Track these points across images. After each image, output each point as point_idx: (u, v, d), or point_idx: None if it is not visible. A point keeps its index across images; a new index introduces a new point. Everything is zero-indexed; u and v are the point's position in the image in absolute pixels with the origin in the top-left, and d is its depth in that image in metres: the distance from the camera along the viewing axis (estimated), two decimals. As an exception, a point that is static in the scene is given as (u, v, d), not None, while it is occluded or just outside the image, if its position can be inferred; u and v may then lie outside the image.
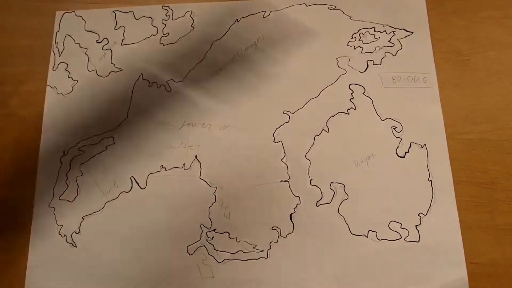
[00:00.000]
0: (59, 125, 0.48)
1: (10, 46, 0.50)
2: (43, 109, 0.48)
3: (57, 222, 0.45)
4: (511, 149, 0.44)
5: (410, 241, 0.42)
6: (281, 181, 0.45)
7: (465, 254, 0.41)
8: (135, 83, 0.49)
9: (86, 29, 0.51)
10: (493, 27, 0.48)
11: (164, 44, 0.50)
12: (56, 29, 0.50)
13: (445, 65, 0.46)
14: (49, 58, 0.49)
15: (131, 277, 0.43)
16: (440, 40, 0.47)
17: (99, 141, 0.47)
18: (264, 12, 0.50)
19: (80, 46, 0.50)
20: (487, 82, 0.46)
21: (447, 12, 0.48)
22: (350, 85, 0.47)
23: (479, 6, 0.48)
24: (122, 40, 0.50)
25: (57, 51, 0.50)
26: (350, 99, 0.47)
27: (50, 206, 0.45)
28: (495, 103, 0.45)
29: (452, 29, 0.47)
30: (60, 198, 0.46)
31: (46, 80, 0.48)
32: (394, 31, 0.48)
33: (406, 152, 0.45)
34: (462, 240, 0.41)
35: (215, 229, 0.44)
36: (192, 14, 0.51)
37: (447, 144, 0.44)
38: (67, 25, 0.51)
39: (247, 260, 0.43)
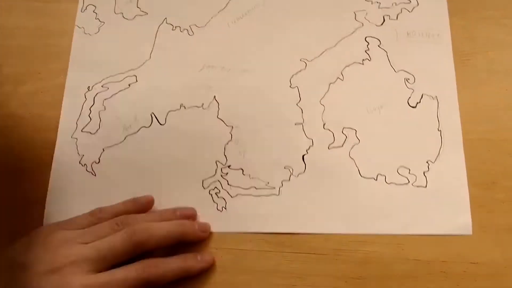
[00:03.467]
0: (85, 63, 0.50)
1: (10, 45, 0.51)
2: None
3: (79, 152, 0.47)
4: (511, 149, 0.44)
5: (417, 186, 0.44)
6: (295, 124, 0.47)
7: (465, 254, 0.41)
8: (159, 27, 0.51)
9: (113, -27, 0.53)
10: (493, 27, 0.48)
11: (189, -10, 0.52)
12: (85, -28, 0.52)
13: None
14: (49, 57, 0.50)
15: (146, 207, 0.45)
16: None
17: (123, 79, 0.49)
18: (287, -36, 0.52)
19: (108, -10, 0.52)
20: (487, 82, 0.47)
21: (446, 13, 0.49)
22: (366, 37, 0.49)
23: (479, 6, 0.49)
24: (149, -16, 0.52)
25: (86, -7, 0.52)
26: (365, 51, 0.48)
27: (72, 137, 0.47)
28: (495, 103, 0.46)
29: (452, 29, 0.48)
30: (82, 130, 0.47)
31: (46, 80, 0.49)
32: (411, -12, 0.50)
33: (417, 103, 0.46)
34: (462, 239, 0.42)
35: (230, 165, 0.46)
36: (218, -39, 0.52)
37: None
38: (96, -31, 0.53)
39: (259, 196, 0.45)
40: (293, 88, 0.47)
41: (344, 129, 0.46)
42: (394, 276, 0.42)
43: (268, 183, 0.45)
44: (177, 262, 0.39)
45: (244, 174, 0.45)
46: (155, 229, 0.39)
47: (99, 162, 0.46)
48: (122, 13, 0.51)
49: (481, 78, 0.47)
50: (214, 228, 0.44)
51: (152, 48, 0.50)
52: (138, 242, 0.38)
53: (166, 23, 0.51)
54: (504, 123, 0.45)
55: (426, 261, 0.42)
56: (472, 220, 0.43)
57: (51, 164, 0.47)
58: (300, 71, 0.48)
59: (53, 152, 0.47)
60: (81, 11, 0.52)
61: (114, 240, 0.38)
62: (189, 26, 0.50)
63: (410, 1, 0.49)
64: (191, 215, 0.43)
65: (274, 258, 0.43)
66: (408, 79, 0.47)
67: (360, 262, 0.42)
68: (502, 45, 0.48)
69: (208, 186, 0.45)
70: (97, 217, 0.41)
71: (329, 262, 0.42)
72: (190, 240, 0.42)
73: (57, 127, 0.48)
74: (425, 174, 0.44)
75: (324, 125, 0.46)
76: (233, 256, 0.43)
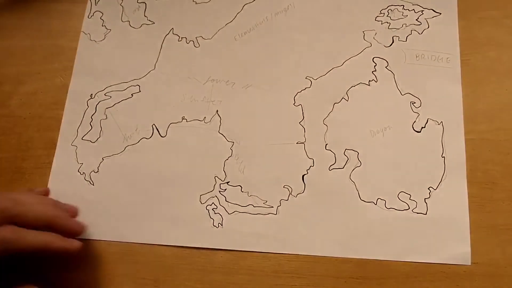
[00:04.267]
0: (89, 70, 0.49)
1: (10, 46, 0.51)
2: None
3: (78, 160, 0.47)
4: (511, 149, 0.44)
5: (417, 213, 0.43)
6: (297, 143, 0.46)
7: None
8: (165, 37, 0.50)
9: (123, -17, 0.53)
10: (493, 27, 0.48)
11: (197, 2, 0.51)
12: (94, -21, 0.52)
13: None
14: (49, 57, 0.50)
15: (142, 219, 0.45)
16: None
17: (126, 88, 0.49)
18: (296, -19, 0.51)
19: (116, -3, 0.52)
20: (487, 82, 0.46)
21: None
22: (374, 58, 0.48)
23: (479, 6, 0.49)
24: (157, -5, 0.52)
25: (94, 0, 0.52)
26: (372, 71, 0.48)
27: (72, 144, 0.47)
28: (495, 103, 0.46)
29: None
30: (83, 138, 0.47)
31: (46, 80, 0.49)
32: (422, 11, 0.49)
33: (422, 127, 0.46)
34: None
35: (229, 181, 0.45)
36: (227, -25, 0.52)
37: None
38: (105, -24, 0.52)
39: (256, 214, 0.44)
40: (297, 106, 0.47)
41: (346, 150, 0.45)
42: (394, 276, 0.42)
43: (266, 201, 0.45)
44: (39, 234, 0.38)
45: (242, 191, 0.45)
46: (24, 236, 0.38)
47: (97, 171, 0.46)
48: (129, 21, 0.51)
49: (481, 78, 0.47)
50: (209, 244, 0.44)
51: (157, 58, 0.50)
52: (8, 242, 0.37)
53: (173, 33, 0.50)
54: (504, 123, 0.45)
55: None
56: (472, 220, 0.43)
57: (51, 165, 0.47)
58: (305, 89, 0.47)
59: (53, 153, 0.47)
60: (88, 17, 0.52)
61: None
62: (196, 38, 0.50)
63: (420, 22, 0.49)
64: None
65: (274, 258, 0.43)
66: (414, 102, 0.46)
67: (360, 262, 0.42)
68: (502, 45, 0.48)
69: (206, 202, 0.45)
70: None
71: (329, 262, 0.42)
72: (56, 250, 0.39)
73: (57, 127, 0.48)
74: (426, 201, 0.43)
75: (326, 145, 0.46)
76: (233, 256, 0.43)
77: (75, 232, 0.42)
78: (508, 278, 0.41)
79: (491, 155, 0.44)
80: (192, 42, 0.50)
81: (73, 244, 0.40)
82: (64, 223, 0.41)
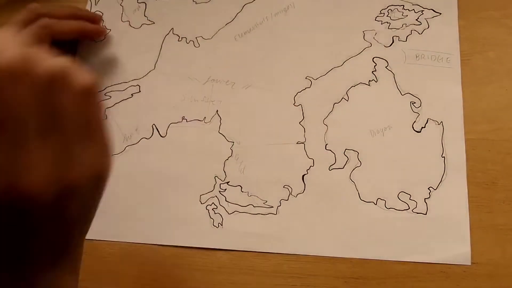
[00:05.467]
0: (89, 70, 0.49)
1: None
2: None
3: (78, 160, 0.46)
4: (511, 149, 0.44)
5: (417, 213, 0.43)
6: (297, 143, 0.46)
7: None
8: (165, 37, 0.50)
9: (124, -17, 0.53)
10: (493, 27, 0.48)
11: (197, 2, 0.51)
12: (94, -21, 0.52)
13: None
14: None
15: (143, 218, 0.45)
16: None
17: (126, 88, 0.49)
18: (296, -20, 0.51)
19: (116, -3, 0.52)
20: (487, 82, 0.46)
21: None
22: (374, 58, 0.48)
23: (479, 6, 0.49)
24: (157, -5, 0.52)
25: (94, 0, 0.52)
26: (372, 71, 0.48)
27: (73, 144, 0.47)
28: (495, 103, 0.46)
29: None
30: (83, 138, 0.47)
31: None
32: (422, 11, 0.49)
33: (422, 127, 0.46)
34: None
35: (229, 181, 0.45)
36: (226, -25, 0.52)
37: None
38: (105, -24, 0.52)
39: (256, 214, 0.44)
40: (297, 106, 0.47)
41: (346, 150, 0.45)
42: (394, 276, 0.42)
43: (266, 201, 0.45)
44: (73, 21, 0.46)
45: (242, 191, 0.45)
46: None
47: (97, 171, 0.46)
48: (129, 21, 0.51)
49: (481, 78, 0.46)
50: (209, 244, 0.44)
51: (157, 58, 0.50)
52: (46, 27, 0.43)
53: (173, 33, 0.50)
54: (504, 123, 0.45)
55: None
56: (472, 220, 0.43)
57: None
58: (305, 89, 0.47)
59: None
60: (88, 17, 0.52)
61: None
62: (196, 37, 0.50)
63: (420, 22, 0.49)
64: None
65: (274, 258, 0.43)
66: (414, 102, 0.46)
67: (360, 262, 0.42)
68: (502, 45, 0.47)
69: (206, 202, 0.45)
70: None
71: (329, 262, 0.43)
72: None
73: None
74: (426, 201, 0.43)
75: (326, 145, 0.46)
76: (233, 256, 0.43)
77: (99, 18, 0.49)
78: (508, 278, 0.41)
79: (491, 155, 0.44)
80: (192, 42, 0.50)
81: (101, 27, 0.49)
82: (87, 13, 0.48)
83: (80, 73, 0.24)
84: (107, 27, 0.51)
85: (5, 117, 0.21)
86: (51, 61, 0.22)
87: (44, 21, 0.43)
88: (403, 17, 0.49)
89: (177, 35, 0.50)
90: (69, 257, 0.26)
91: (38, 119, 0.21)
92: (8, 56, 0.21)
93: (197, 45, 0.50)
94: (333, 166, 0.45)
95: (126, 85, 0.49)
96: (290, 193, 0.44)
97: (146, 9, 0.51)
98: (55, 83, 0.22)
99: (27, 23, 0.43)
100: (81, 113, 0.23)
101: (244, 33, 0.50)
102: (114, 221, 0.44)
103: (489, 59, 0.47)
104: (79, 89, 0.23)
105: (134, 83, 0.49)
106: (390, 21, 0.49)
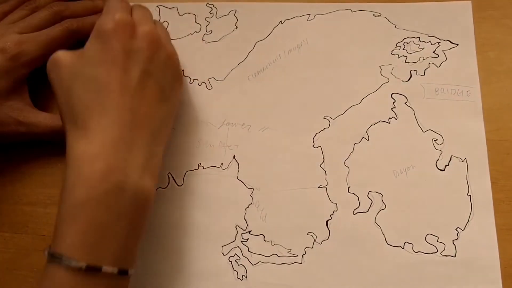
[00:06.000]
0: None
1: None
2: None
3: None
4: (511, 149, 0.44)
5: (446, 256, 0.42)
6: (318, 187, 0.45)
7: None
8: (176, 79, 0.49)
9: (131, 23, 0.51)
10: (493, 27, 0.48)
11: (207, 42, 0.50)
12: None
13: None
14: None
15: (162, 274, 0.43)
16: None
17: (138, 136, 0.47)
18: (309, 16, 0.50)
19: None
20: (487, 82, 0.46)
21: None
22: (392, 94, 0.47)
23: (479, 6, 0.48)
24: (165, 35, 0.50)
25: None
26: (391, 108, 0.46)
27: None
28: (495, 103, 0.45)
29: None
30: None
31: None
32: (439, 42, 0.48)
33: (446, 165, 0.45)
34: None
35: (250, 231, 0.44)
36: (236, 13, 0.50)
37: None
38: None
39: (281, 264, 0.43)
40: (316, 148, 0.46)
41: (369, 193, 0.44)
42: None
43: (291, 250, 0.43)
44: (93, 17, 0.47)
45: (265, 240, 0.44)
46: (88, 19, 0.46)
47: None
48: (137, 64, 0.49)
49: (481, 78, 0.46)
50: (234, 299, 0.42)
51: (169, 103, 0.48)
52: (73, 30, 0.45)
53: (184, 75, 0.49)
54: (504, 123, 0.45)
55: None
56: None
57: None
58: (323, 129, 0.46)
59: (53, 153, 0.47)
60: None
61: (51, 31, 0.45)
62: (208, 79, 0.48)
63: (438, 55, 0.47)
64: None
65: None
66: (436, 139, 0.45)
67: None
68: (502, 45, 0.47)
69: (228, 253, 0.44)
70: (30, 9, 0.46)
71: None
72: None
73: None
74: (454, 243, 0.42)
75: (348, 188, 0.44)
76: None
77: None
78: (508, 278, 0.40)
79: (491, 155, 0.44)
80: (204, 84, 0.49)
81: None
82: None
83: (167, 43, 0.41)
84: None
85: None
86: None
87: (70, 23, 0.45)
88: (419, 49, 0.48)
89: (189, 77, 0.49)
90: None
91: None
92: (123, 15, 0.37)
93: (210, 87, 0.48)
94: (357, 210, 0.44)
95: (138, 132, 0.47)
96: (315, 240, 0.43)
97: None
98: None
99: (50, 23, 0.45)
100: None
101: (258, 73, 0.48)
102: (132, 278, 0.43)
103: (489, 59, 0.46)
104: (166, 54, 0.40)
105: (147, 129, 0.47)
106: (407, 55, 0.48)
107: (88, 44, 0.37)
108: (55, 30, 0.45)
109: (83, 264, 0.32)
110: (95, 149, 0.33)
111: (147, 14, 0.41)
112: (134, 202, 0.34)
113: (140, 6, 0.42)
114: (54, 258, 0.32)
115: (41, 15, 0.46)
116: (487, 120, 0.45)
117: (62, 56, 0.37)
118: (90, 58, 0.36)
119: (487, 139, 0.44)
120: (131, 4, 0.42)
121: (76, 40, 0.47)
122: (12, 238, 0.46)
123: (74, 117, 0.35)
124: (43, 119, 0.44)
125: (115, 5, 0.39)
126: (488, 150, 0.44)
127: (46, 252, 0.33)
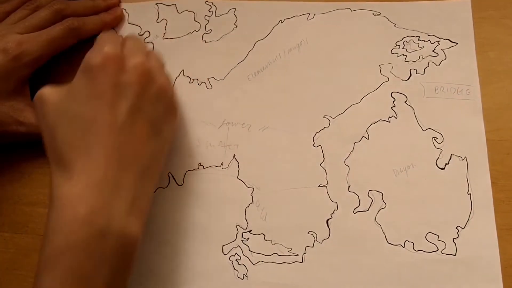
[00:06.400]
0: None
1: None
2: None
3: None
4: (511, 149, 0.44)
5: (446, 254, 0.42)
6: (319, 186, 0.45)
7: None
8: (175, 79, 0.49)
9: (129, 22, 0.51)
10: (493, 27, 0.48)
11: (207, 41, 0.50)
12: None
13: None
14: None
15: (164, 274, 0.43)
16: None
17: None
18: (308, 15, 0.50)
19: (122, 39, 0.50)
20: (487, 82, 0.46)
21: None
22: (392, 93, 0.47)
23: (479, 6, 0.48)
24: (164, 34, 0.50)
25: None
26: (391, 107, 0.46)
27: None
28: (495, 103, 0.45)
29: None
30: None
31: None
32: (438, 41, 0.48)
33: (446, 164, 0.45)
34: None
35: (251, 230, 0.44)
36: (236, 11, 0.50)
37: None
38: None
39: (281, 263, 0.43)
40: (317, 147, 0.46)
41: (370, 192, 0.44)
42: None
43: (291, 249, 0.43)
44: (93, 17, 0.48)
45: (266, 240, 0.44)
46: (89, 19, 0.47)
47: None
48: (137, 64, 0.49)
49: (481, 78, 0.46)
50: (235, 298, 0.42)
51: (169, 102, 0.48)
52: (74, 29, 0.46)
53: (183, 75, 0.49)
54: (504, 123, 0.45)
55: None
56: None
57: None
58: (323, 128, 0.46)
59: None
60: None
61: (52, 30, 0.45)
62: (207, 79, 0.48)
63: (437, 54, 0.47)
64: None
65: None
66: (436, 138, 0.45)
67: None
68: (502, 45, 0.47)
69: (228, 252, 0.44)
70: (31, 8, 0.46)
71: None
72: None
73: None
74: (454, 241, 0.42)
75: (349, 187, 0.44)
76: None
77: (116, 3, 0.51)
78: (508, 278, 0.40)
79: (491, 155, 0.44)
80: (204, 83, 0.48)
81: (119, 14, 0.50)
82: (105, 3, 0.49)
83: (160, 75, 0.39)
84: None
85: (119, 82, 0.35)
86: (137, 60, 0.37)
87: (71, 22, 0.46)
88: (419, 48, 0.48)
89: (188, 77, 0.49)
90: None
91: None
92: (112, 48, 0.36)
93: (210, 87, 0.48)
94: (358, 209, 0.44)
95: (138, 132, 0.47)
96: (315, 239, 0.43)
97: (154, 50, 0.50)
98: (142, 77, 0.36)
99: (51, 22, 0.45)
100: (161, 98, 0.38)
101: (258, 72, 0.48)
102: (132, 278, 0.43)
103: (489, 59, 0.47)
104: (158, 87, 0.38)
105: (146, 129, 0.47)
106: (406, 54, 0.48)
107: (75, 79, 0.35)
108: (56, 29, 0.45)
109: None
110: (78, 192, 0.31)
111: (139, 45, 0.39)
112: (117, 248, 0.32)
113: (132, 37, 0.40)
114: None
115: (42, 15, 0.46)
116: (487, 120, 0.45)
117: (47, 92, 0.35)
118: (77, 94, 0.34)
119: (487, 139, 0.44)
120: (124, 35, 0.42)
121: (77, 40, 0.47)
122: (12, 238, 0.45)
123: (58, 157, 0.33)
124: None
125: (105, 39, 0.37)
126: (488, 150, 0.44)
127: None
